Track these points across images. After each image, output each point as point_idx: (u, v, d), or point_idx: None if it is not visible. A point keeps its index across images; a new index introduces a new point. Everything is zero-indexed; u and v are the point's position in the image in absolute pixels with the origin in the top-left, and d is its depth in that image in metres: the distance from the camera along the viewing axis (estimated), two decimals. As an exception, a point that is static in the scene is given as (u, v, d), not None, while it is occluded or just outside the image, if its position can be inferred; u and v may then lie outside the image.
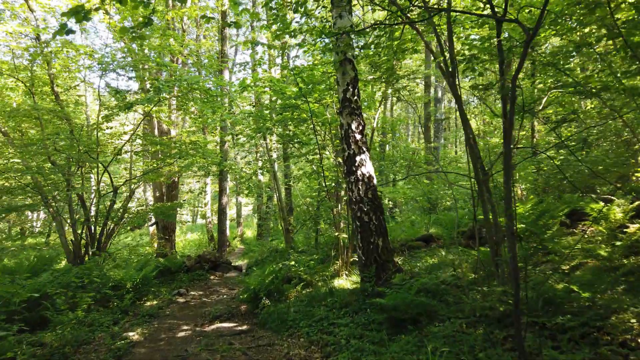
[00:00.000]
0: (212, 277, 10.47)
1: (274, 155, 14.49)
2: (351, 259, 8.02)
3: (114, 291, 7.79)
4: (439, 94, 18.10)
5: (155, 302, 8.28)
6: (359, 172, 6.48)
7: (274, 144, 12.49)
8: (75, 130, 10.76)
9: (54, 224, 11.53)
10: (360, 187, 6.43)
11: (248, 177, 16.17)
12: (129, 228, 12.91)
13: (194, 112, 13.15)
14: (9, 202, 11.48)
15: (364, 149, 6.61)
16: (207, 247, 21.22)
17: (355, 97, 6.70)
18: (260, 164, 16.52)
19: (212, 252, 10.98)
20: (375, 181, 6.62)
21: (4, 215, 13.28)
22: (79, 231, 11.28)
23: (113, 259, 11.53)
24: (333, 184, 8.69)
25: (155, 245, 15.95)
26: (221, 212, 14.60)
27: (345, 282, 7.59)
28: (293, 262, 7.83)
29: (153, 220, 18.07)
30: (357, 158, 6.51)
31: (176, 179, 16.31)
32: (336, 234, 7.83)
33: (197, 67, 15.25)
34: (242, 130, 11.57)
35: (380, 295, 5.16)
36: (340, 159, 7.86)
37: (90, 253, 11.04)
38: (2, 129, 10.80)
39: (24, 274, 7.76)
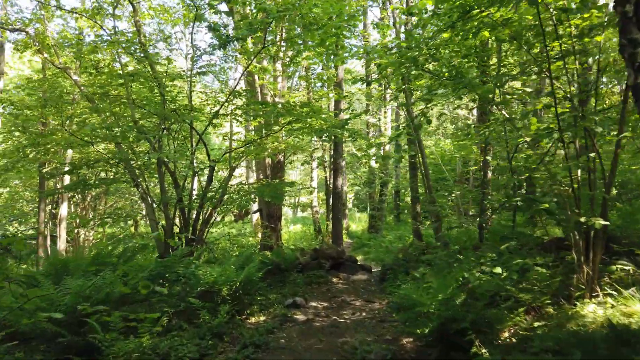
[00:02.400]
0: (334, 279, 7.48)
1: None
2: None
3: (204, 300, 5.13)
4: None
5: (262, 319, 5.48)
6: None
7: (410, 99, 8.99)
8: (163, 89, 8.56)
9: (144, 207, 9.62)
10: None
11: (366, 155, 12.99)
12: (228, 214, 10.59)
13: (304, 65, 10.29)
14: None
15: None
16: (314, 240, 18.66)
17: None
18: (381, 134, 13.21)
19: (332, 246, 7.96)
20: None
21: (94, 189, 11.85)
22: (172, 214, 9.15)
23: (210, 249, 9.22)
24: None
25: (259, 235, 13.68)
26: (336, 197, 11.69)
27: (597, 310, 3.94)
28: (496, 270, 4.32)
29: (256, 207, 15.95)
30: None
31: (282, 158, 13.83)
32: (581, 219, 4.13)
33: None
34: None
35: None
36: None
37: (183, 243, 8.85)
38: (86, 93, 9.04)
39: (84, 270, 5.46)
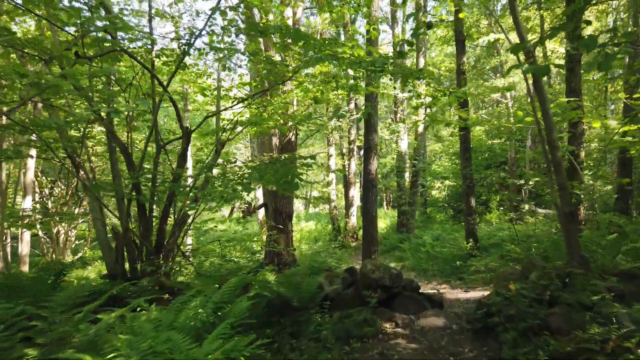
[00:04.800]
0: (388, 326, 4.20)
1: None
2: None
3: None
4: None
5: None
6: None
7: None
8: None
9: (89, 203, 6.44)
10: None
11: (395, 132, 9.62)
12: (217, 210, 7.38)
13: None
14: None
15: None
16: (334, 241, 15.40)
17: None
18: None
19: (380, 265, 4.58)
20: None
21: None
22: (127, 210, 6.03)
23: (181, 266, 6.05)
24: None
25: (264, 238, 10.48)
26: (368, 186, 8.40)
27: None
28: None
29: (261, 201, 12.73)
30: None
31: (293, 137, 10.57)
32: None
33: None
34: None
35: None
36: None
37: (144, 254, 5.76)
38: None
39: None
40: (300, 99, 12.94)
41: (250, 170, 4.89)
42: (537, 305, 3.50)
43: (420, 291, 4.95)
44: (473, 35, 15.30)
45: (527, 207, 10.74)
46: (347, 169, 16.91)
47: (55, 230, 13.28)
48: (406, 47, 6.37)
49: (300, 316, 4.07)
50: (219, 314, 3.42)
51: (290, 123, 10.12)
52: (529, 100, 4.70)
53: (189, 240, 12.16)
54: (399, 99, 16.06)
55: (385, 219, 22.65)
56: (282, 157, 5.01)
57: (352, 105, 16.95)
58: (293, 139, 10.54)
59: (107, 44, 4.71)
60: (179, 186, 5.70)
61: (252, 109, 7.08)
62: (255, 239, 10.32)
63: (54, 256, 13.28)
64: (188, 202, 6.00)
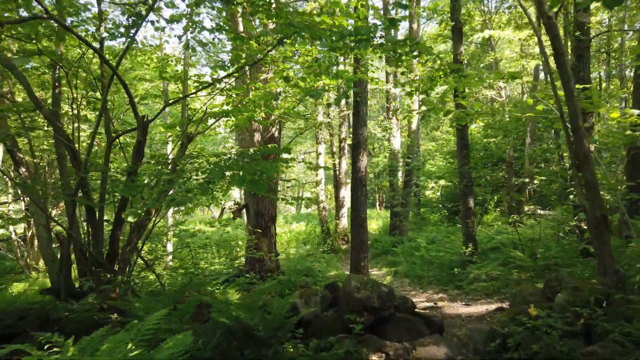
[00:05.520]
0: (376, 358, 3.38)
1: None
2: None
3: None
4: None
5: None
6: None
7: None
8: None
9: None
10: None
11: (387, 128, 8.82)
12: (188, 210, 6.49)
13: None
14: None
15: None
16: (323, 244, 14.57)
17: None
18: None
19: (367, 281, 3.75)
20: None
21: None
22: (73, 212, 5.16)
23: (131, 285, 5.18)
24: None
25: (247, 243, 9.61)
26: (357, 185, 7.57)
27: None
28: None
29: (244, 201, 11.85)
30: None
31: (276, 132, 9.71)
32: None
33: None
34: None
35: None
36: None
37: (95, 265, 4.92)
38: None
39: None
40: (285, 91, 12.10)
41: (209, 167, 4.02)
42: (570, 340, 2.69)
43: (416, 310, 4.12)
44: (471, 23, 14.60)
45: (531, 208, 9.99)
46: (337, 168, 16.08)
47: (29, 233, 12.30)
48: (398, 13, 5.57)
49: (267, 348, 3.23)
50: (152, 352, 2.56)
51: (272, 117, 9.30)
52: (548, 79, 3.90)
53: (169, 246, 11.27)
54: (391, 94, 15.27)
55: (377, 220, 21.85)
56: (251, 151, 4.15)
57: (342, 102, 16.13)
58: (276, 134, 9.68)
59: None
60: (133, 187, 4.82)
61: (229, 98, 6.22)
62: (233, 243, 9.43)
63: (27, 260, 12.31)
64: (148, 203, 5.13)
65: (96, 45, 5.00)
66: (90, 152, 4.84)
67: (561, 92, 3.71)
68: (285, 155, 5.10)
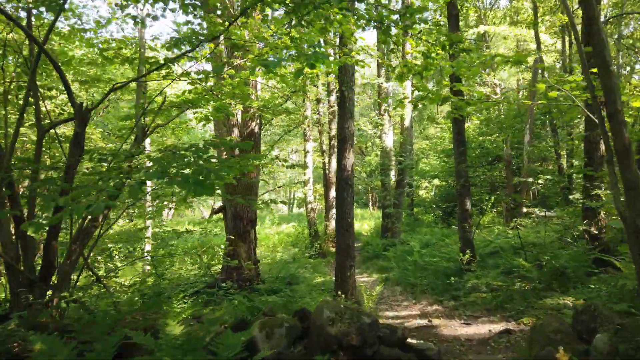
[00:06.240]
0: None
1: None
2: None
3: None
4: None
5: None
6: None
7: None
8: None
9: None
10: None
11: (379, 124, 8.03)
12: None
13: None
14: None
15: None
16: (310, 248, 13.77)
17: None
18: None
19: (344, 310, 2.97)
20: None
21: None
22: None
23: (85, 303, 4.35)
24: None
25: (224, 249, 8.79)
26: (343, 185, 6.78)
27: None
28: None
29: (221, 203, 11.03)
30: None
31: (256, 128, 8.89)
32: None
33: None
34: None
35: None
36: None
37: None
38: None
39: None
40: (266, 83, 11.26)
41: (152, 164, 3.21)
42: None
43: (407, 342, 3.33)
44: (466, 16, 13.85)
45: (532, 210, 9.27)
46: (327, 167, 15.29)
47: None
48: None
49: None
50: None
51: (251, 110, 8.50)
52: (578, 50, 3.12)
53: (147, 247, 10.41)
54: (383, 89, 14.51)
55: (370, 221, 21.08)
56: (200, 145, 3.35)
57: (332, 98, 15.34)
58: (256, 129, 8.88)
59: None
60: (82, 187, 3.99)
61: (193, 84, 5.40)
62: (209, 249, 8.61)
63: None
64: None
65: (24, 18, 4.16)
66: (14, 146, 4.00)
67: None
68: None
